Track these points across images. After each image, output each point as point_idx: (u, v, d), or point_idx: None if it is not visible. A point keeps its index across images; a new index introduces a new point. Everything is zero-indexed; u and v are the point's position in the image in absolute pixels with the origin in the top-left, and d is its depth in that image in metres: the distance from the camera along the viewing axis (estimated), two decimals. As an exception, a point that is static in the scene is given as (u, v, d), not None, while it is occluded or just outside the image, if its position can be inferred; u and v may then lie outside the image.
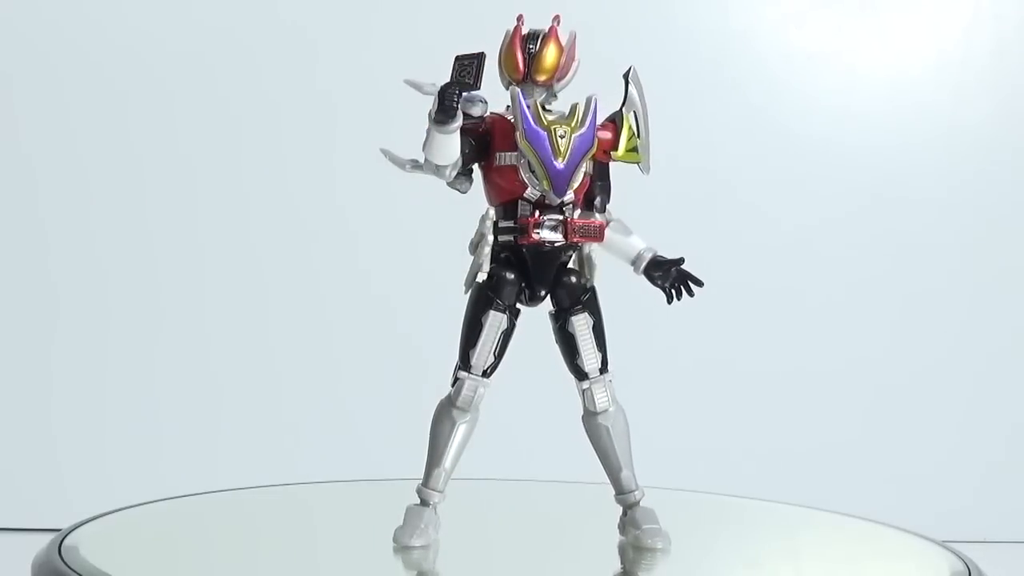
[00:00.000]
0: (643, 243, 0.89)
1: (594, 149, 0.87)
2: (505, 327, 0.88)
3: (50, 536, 0.89)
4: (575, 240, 0.87)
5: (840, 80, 1.71)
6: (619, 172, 0.89)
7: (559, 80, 0.87)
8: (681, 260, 0.88)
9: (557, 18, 0.88)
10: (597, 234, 0.87)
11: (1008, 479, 1.71)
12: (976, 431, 1.71)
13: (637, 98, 0.88)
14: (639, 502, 0.90)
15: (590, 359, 0.89)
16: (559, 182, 0.86)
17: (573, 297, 0.88)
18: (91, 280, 1.65)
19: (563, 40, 0.87)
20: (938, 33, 1.72)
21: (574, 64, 0.88)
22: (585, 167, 0.87)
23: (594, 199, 0.88)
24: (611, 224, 0.88)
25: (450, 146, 0.85)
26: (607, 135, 0.88)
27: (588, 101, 0.87)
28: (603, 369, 0.89)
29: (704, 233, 1.68)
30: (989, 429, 1.72)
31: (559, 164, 0.85)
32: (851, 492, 1.62)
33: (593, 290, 0.88)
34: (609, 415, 0.89)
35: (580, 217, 0.87)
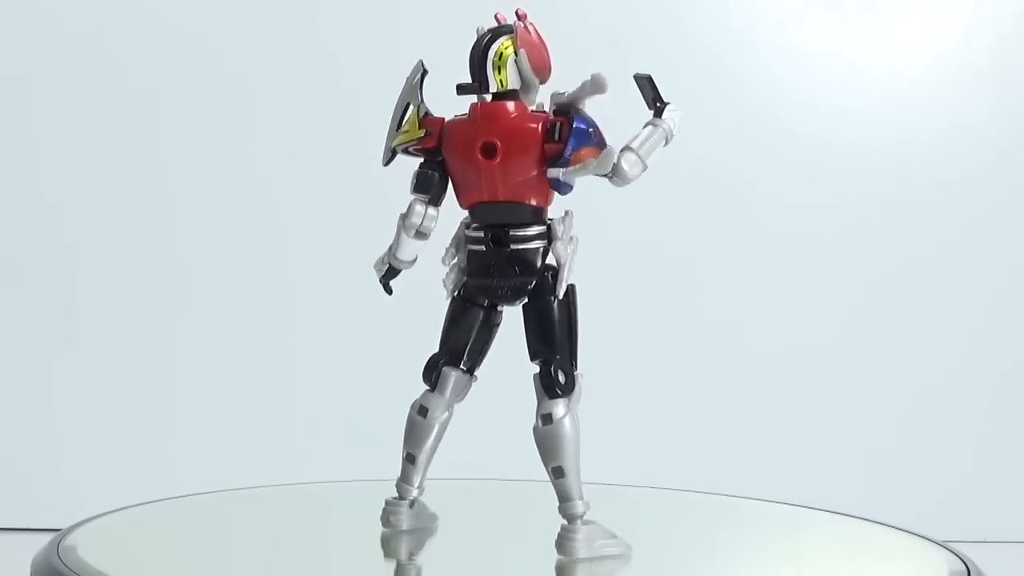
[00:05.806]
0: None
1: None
2: None
3: (50, 536, 0.89)
4: None
5: (841, 80, 1.71)
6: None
7: None
8: None
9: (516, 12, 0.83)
10: None
11: (1008, 479, 1.71)
12: (977, 431, 1.71)
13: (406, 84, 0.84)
14: None
15: None
16: None
17: None
18: (92, 280, 1.65)
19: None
20: (938, 33, 1.72)
21: None
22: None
23: None
24: None
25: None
26: None
27: None
28: None
29: (703, 233, 1.68)
30: (990, 429, 1.71)
31: None
32: (851, 492, 1.62)
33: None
34: None
35: None
